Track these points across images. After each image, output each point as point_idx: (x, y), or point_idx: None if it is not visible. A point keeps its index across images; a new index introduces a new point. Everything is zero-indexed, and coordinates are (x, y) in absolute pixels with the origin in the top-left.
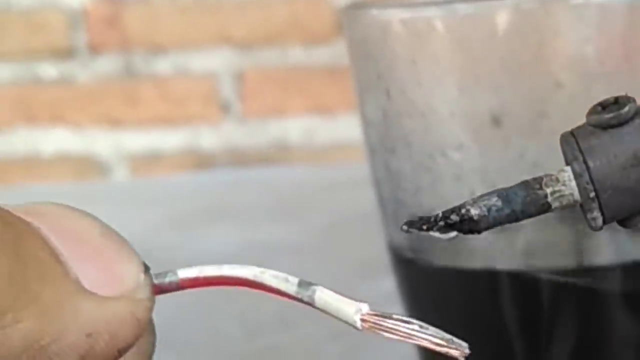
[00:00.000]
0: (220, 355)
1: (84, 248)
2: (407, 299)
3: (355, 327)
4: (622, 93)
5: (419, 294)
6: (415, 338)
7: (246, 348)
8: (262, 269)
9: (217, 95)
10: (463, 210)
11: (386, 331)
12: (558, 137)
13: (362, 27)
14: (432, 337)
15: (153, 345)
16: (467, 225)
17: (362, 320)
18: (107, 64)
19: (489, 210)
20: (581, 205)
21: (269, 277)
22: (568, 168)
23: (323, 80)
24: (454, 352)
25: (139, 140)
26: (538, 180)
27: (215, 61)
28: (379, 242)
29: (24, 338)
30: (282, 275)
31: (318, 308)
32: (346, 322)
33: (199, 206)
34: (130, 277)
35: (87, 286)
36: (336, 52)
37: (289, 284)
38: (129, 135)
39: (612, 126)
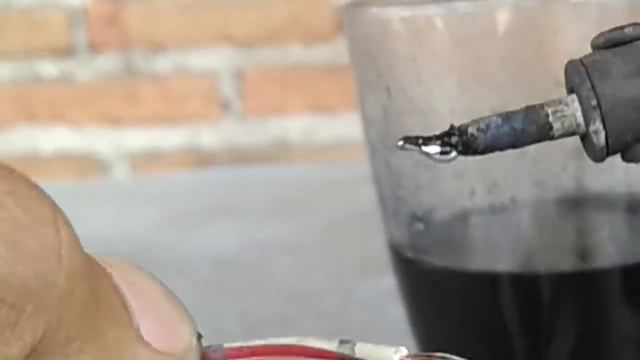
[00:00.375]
0: None
1: (147, 302)
2: (407, 298)
3: None
4: None
5: (419, 293)
6: None
7: None
8: (303, 337)
9: (217, 93)
10: (462, 128)
11: None
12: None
13: (363, 26)
14: None
15: None
16: (465, 141)
17: None
18: (107, 63)
19: (487, 126)
20: (582, 137)
21: (312, 340)
22: (572, 94)
23: (323, 79)
24: None
25: (139, 139)
26: (540, 104)
27: (215, 59)
28: (379, 241)
29: None
30: (323, 339)
31: (359, 359)
32: None
33: (199, 204)
34: (184, 338)
35: (145, 337)
36: (336, 51)
37: (331, 344)
38: (129, 133)
39: (616, 44)
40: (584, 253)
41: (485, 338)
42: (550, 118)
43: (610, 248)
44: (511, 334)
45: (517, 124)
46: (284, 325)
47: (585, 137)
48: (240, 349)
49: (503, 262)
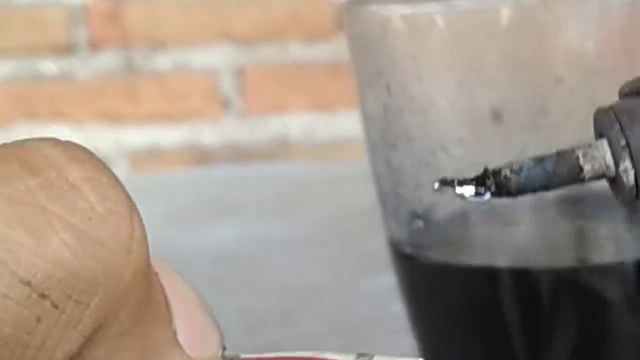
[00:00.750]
0: None
1: (184, 307)
2: (407, 294)
3: None
4: None
5: (419, 289)
6: None
7: (247, 343)
8: (320, 351)
9: (218, 91)
10: (496, 169)
11: None
12: (559, 132)
13: (362, 23)
14: None
15: None
16: (499, 183)
17: None
18: (107, 60)
19: (520, 169)
20: (611, 181)
21: (329, 353)
22: (602, 139)
23: (323, 77)
24: None
25: (139, 136)
26: (571, 147)
27: (215, 57)
28: (379, 238)
29: None
30: (340, 352)
31: None
32: None
33: (199, 202)
34: (213, 348)
35: (179, 341)
36: (336, 48)
37: (348, 357)
38: (130, 131)
39: None
40: (583, 250)
41: (485, 335)
42: (581, 161)
43: (609, 245)
44: (511, 331)
45: (549, 167)
46: (284, 322)
47: (614, 180)
48: (257, 359)
49: (503, 259)
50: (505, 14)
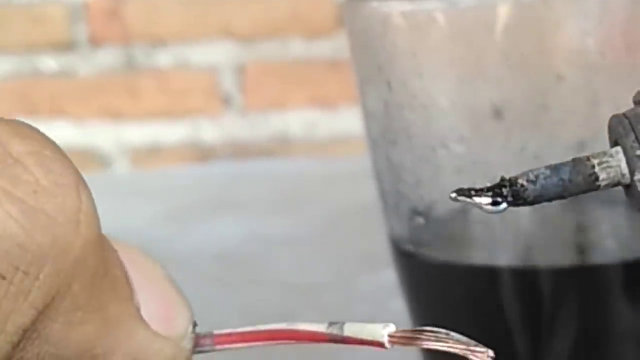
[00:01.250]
0: None
1: (148, 284)
2: (408, 291)
3: (384, 346)
4: (624, 85)
5: (420, 287)
6: (441, 346)
7: None
8: (292, 322)
9: (218, 88)
10: (512, 179)
11: (413, 344)
12: (559, 129)
13: (363, 20)
14: (458, 344)
15: None
16: (515, 192)
17: (390, 337)
18: (107, 57)
19: (537, 177)
20: (626, 187)
21: (301, 324)
22: (617, 147)
23: (324, 73)
24: (478, 356)
25: (139, 133)
26: (586, 156)
27: (216, 54)
28: (380, 235)
29: (82, 341)
30: (312, 322)
31: (348, 338)
32: (374, 343)
33: (200, 199)
34: (182, 324)
35: (144, 316)
36: (337, 45)
37: (320, 326)
38: (130, 128)
39: None
40: (584, 248)
41: (486, 332)
42: (596, 169)
43: (610, 243)
44: (511, 328)
45: (565, 175)
46: (285, 318)
47: (629, 187)
48: (229, 335)
49: (503, 257)
50: (505, 11)
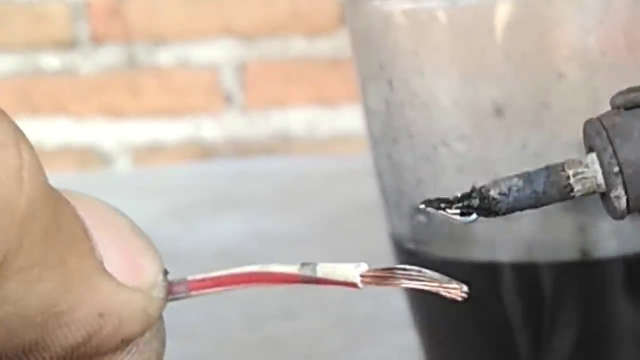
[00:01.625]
0: (222, 344)
1: (111, 236)
2: (409, 289)
3: (357, 286)
4: (625, 84)
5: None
6: (414, 284)
7: (248, 338)
8: (265, 264)
9: (220, 86)
10: (483, 191)
11: (385, 283)
12: (560, 127)
13: (364, 18)
14: (431, 282)
15: (158, 354)
16: (487, 205)
17: (362, 277)
18: (109, 55)
19: (509, 189)
20: (602, 195)
21: (274, 266)
22: (592, 153)
23: (325, 72)
24: (452, 293)
25: (141, 131)
26: (560, 164)
27: (217, 52)
28: (381, 233)
29: (42, 299)
30: (285, 264)
31: (320, 279)
32: (347, 284)
33: (201, 197)
34: (150, 273)
35: (109, 270)
36: (338, 43)
37: (292, 267)
38: (132, 126)
39: (637, 105)
40: (585, 244)
41: (488, 329)
42: (571, 180)
43: (611, 240)
44: (513, 325)
45: (539, 188)
46: (285, 316)
47: (604, 195)
48: (204, 280)
49: (504, 254)
50: (507, 9)
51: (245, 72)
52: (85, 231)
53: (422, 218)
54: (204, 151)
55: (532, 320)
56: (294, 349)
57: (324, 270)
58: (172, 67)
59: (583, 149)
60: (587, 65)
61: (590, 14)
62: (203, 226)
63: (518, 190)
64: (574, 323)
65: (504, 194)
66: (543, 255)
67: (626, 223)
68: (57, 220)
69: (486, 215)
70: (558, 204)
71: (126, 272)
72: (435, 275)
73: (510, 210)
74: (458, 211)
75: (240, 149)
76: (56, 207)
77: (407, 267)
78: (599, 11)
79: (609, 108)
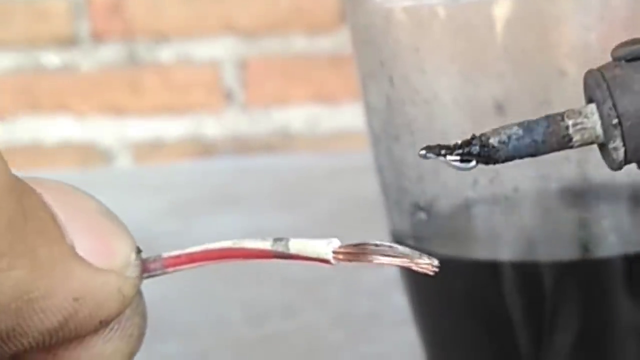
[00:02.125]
0: (223, 342)
1: (80, 220)
2: (410, 287)
3: (329, 262)
4: None
5: (422, 282)
6: (386, 259)
7: (249, 335)
8: (239, 240)
9: (220, 83)
10: (483, 138)
11: (357, 260)
12: None
13: (365, 15)
14: (402, 257)
15: (140, 328)
16: (486, 152)
17: (335, 253)
18: (110, 53)
19: (509, 138)
20: (601, 146)
21: (247, 241)
22: (591, 104)
23: (326, 69)
24: (423, 268)
25: (142, 129)
26: (560, 114)
27: (218, 49)
28: (382, 230)
29: (15, 286)
30: (258, 239)
31: (293, 255)
32: (320, 260)
33: (202, 194)
34: (122, 254)
35: (81, 254)
36: (339, 41)
37: (265, 242)
38: (132, 123)
39: (637, 58)
40: (586, 243)
41: (488, 327)
42: (570, 130)
43: (612, 238)
44: (514, 323)
45: (538, 137)
46: (286, 314)
47: (603, 146)
48: (178, 257)
49: (506, 252)
50: (507, 6)
51: (246, 70)
52: (53, 218)
53: (422, 215)
54: (204, 148)
55: (533, 318)
56: (295, 346)
57: (296, 246)
58: (173, 64)
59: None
60: (587, 63)
61: (590, 11)
62: (204, 223)
63: (517, 139)
64: (575, 321)
65: (504, 142)
66: (544, 253)
67: (627, 221)
68: (23, 209)
69: (486, 163)
70: (559, 203)
71: (98, 255)
72: (407, 250)
73: (510, 158)
74: (458, 158)
75: (241, 146)
76: (21, 196)
77: (379, 242)
78: (599, 8)
79: None
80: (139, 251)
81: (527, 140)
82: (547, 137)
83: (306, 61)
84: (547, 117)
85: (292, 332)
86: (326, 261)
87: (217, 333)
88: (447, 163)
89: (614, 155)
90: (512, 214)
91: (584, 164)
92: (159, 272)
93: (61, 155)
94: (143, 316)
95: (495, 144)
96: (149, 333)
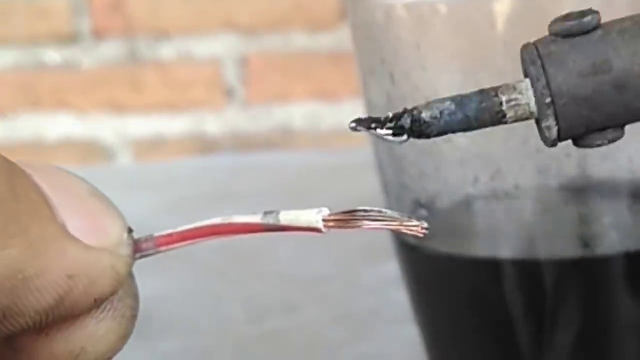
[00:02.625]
0: (223, 338)
1: (71, 200)
2: (411, 284)
3: (320, 231)
4: None
5: (423, 280)
6: (376, 224)
7: (249, 332)
8: (228, 216)
9: (221, 80)
10: (415, 112)
11: (348, 226)
12: None
13: (366, 12)
14: (391, 221)
15: (133, 309)
16: (417, 127)
17: (325, 221)
18: (111, 50)
19: (441, 113)
20: (536, 120)
21: (237, 217)
22: (526, 79)
23: (327, 66)
24: (413, 230)
25: (143, 126)
26: (494, 89)
27: (219, 46)
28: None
29: (8, 266)
30: (247, 214)
31: (284, 226)
32: (310, 229)
33: (203, 191)
34: (114, 233)
35: (72, 233)
36: (340, 38)
37: (255, 217)
38: (133, 120)
39: (573, 35)
40: (587, 239)
41: (489, 324)
42: (504, 106)
43: (613, 234)
44: (514, 320)
45: (470, 112)
46: (287, 311)
47: (538, 123)
48: (170, 235)
49: (506, 249)
50: (508, 2)
51: (247, 67)
52: (44, 198)
53: (423, 212)
54: (205, 145)
55: (534, 315)
56: (295, 343)
57: (286, 217)
58: (174, 61)
59: None
60: None
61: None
62: (204, 220)
63: (450, 114)
64: (575, 319)
65: (436, 118)
66: (545, 250)
67: (628, 218)
68: (14, 189)
69: (417, 137)
70: (560, 200)
71: (90, 234)
72: (396, 214)
73: (442, 133)
74: (390, 132)
75: (242, 143)
76: (11, 176)
77: (368, 208)
78: (599, 4)
79: None
80: (130, 231)
81: (460, 116)
82: (480, 114)
83: (307, 58)
84: (481, 91)
85: (292, 329)
86: (317, 229)
87: (217, 330)
88: (379, 136)
89: (547, 134)
90: (512, 211)
91: (584, 161)
92: (151, 251)
93: (62, 152)
94: (135, 298)
95: (427, 119)
96: (149, 330)
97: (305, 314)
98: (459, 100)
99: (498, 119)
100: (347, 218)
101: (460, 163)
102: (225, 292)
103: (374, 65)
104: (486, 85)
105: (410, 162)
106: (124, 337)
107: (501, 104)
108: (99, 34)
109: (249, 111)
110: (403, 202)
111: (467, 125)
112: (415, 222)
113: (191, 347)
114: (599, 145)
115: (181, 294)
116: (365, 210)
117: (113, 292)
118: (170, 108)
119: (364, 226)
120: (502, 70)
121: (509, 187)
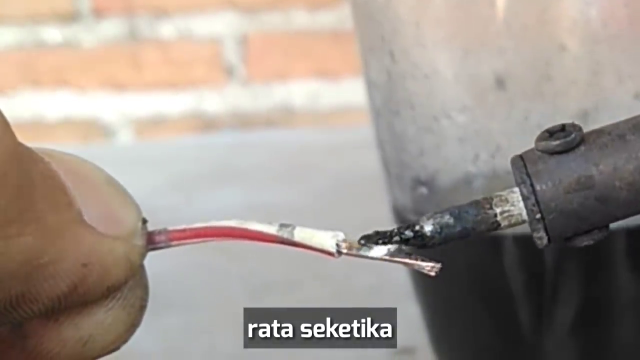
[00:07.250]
0: (224, 316)
1: (88, 189)
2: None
3: (333, 255)
4: (626, 56)
5: (423, 256)
6: (389, 259)
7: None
8: (244, 220)
9: (221, 59)
10: (417, 227)
11: (361, 255)
12: (562, 99)
13: None
14: (404, 258)
15: (142, 300)
16: (420, 240)
17: (338, 246)
18: (111, 28)
19: (441, 227)
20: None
21: (253, 223)
22: (517, 189)
23: (327, 44)
24: (425, 269)
25: (143, 104)
26: (488, 200)
27: (219, 25)
28: (383, 205)
29: (24, 252)
30: (264, 222)
31: (298, 243)
32: (323, 251)
33: (203, 169)
34: (129, 222)
35: (88, 221)
36: (340, 16)
37: (271, 227)
38: (134, 98)
39: (559, 152)
40: None
41: (490, 301)
42: (498, 218)
43: None
44: (515, 297)
45: (468, 224)
46: (287, 288)
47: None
48: (184, 231)
49: None
50: None
51: (247, 45)
52: (61, 185)
53: (423, 190)
54: (205, 124)
55: (535, 292)
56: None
57: (301, 234)
58: (174, 39)
59: (585, 120)
60: (588, 37)
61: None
62: (204, 198)
63: (449, 227)
64: (576, 295)
65: (437, 232)
66: None
67: None
68: (31, 176)
69: (419, 248)
70: None
71: (105, 222)
72: (411, 253)
73: (444, 243)
74: (396, 246)
75: (242, 121)
76: (30, 163)
77: (382, 232)
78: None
79: (610, 79)
80: (145, 222)
81: (458, 228)
82: (477, 225)
83: (307, 36)
84: (477, 203)
85: (292, 306)
86: (329, 253)
87: (217, 307)
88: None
89: (538, 242)
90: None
91: None
92: (163, 244)
93: (62, 130)
94: (145, 288)
95: (428, 234)
96: (151, 306)
97: (305, 291)
98: (457, 214)
99: (493, 228)
100: (360, 246)
101: (460, 141)
102: (226, 269)
103: (374, 43)
104: (485, 63)
105: (411, 140)
106: (132, 327)
107: (495, 215)
108: (99, 13)
109: (249, 89)
110: (403, 179)
111: (466, 235)
112: (429, 263)
113: (192, 322)
114: (586, 245)
115: (182, 270)
116: (380, 237)
117: (126, 281)
118: (171, 86)
119: (377, 257)
120: (502, 49)
121: (509, 164)
